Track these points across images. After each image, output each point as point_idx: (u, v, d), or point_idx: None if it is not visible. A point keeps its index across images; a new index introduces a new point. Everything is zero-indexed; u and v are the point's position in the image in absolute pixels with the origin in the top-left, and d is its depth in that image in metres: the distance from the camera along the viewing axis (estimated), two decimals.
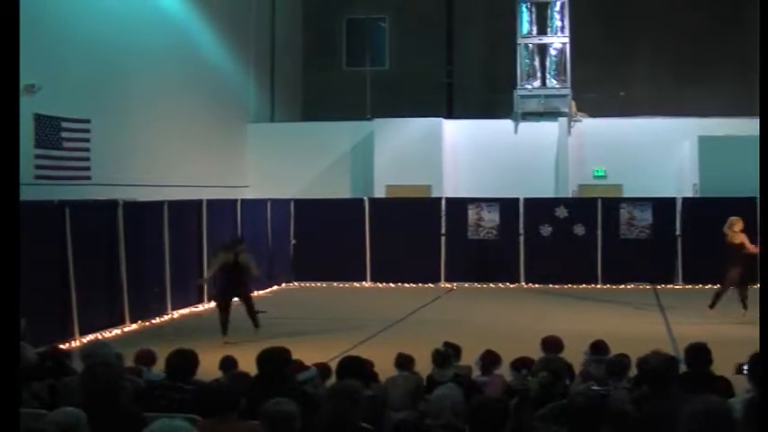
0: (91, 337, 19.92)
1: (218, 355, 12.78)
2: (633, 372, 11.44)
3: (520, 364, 11.60)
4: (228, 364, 12.38)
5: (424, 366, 12.15)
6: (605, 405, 7.33)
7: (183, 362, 9.52)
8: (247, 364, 10.74)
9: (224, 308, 20.75)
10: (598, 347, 12.34)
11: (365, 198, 31.55)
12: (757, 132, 31.02)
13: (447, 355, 11.92)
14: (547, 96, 33.78)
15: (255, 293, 27.82)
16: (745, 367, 8.25)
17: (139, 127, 26.92)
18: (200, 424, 7.53)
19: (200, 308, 25.66)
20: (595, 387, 9.01)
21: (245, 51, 33.84)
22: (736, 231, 23.59)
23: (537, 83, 34.07)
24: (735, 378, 9.60)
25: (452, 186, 33.00)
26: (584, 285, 29.50)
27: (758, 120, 32.58)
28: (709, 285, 28.53)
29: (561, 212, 30.33)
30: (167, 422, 6.33)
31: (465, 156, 33.62)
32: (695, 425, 5.90)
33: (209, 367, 11.80)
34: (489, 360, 12.41)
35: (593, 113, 33.94)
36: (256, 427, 7.20)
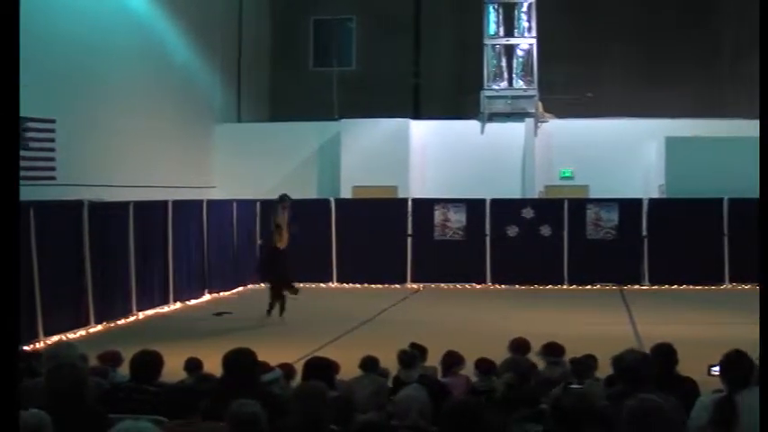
0: (55, 338, 19.80)
1: (184, 357, 12.72)
2: (601, 372, 11.51)
3: (483, 366, 11.61)
4: (193, 365, 12.33)
5: (390, 367, 12.14)
6: (588, 404, 7.33)
7: (148, 363, 9.45)
8: (213, 365, 10.68)
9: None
10: (551, 349, 12.34)
11: (332, 199, 31.51)
12: (724, 134, 31.35)
13: (413, 355, 11.91)
14: (513, 97, 33.75)
15: (221, 294, 27.96)
16: (715, 368, 8.27)
17: (106, 127, 26.74)
18: (166, 425, 7.49)
19: (166, 309, 25.58)
20: (574, 386, 9.02)
21: (211, 52, 33.65)
22: None
23: (504, 84, 34.05)
24: (705, 379, 9.61)
25: (419, 187, 32.94)
26: (550, 286, 29.59)
27: (725, 121, 32.92)
28: (675, 286, 28.77)
29: (528, 213, 30.40)
30: (132, 423, 6.29)
31: (432, 156, 33.57)
32: (632, 423, 5.98)
33: (174, 369, 11.76)
34: (451, 361, 12.42)
35: (561, 114, 33.97)
36: (221, 429, 7.16)
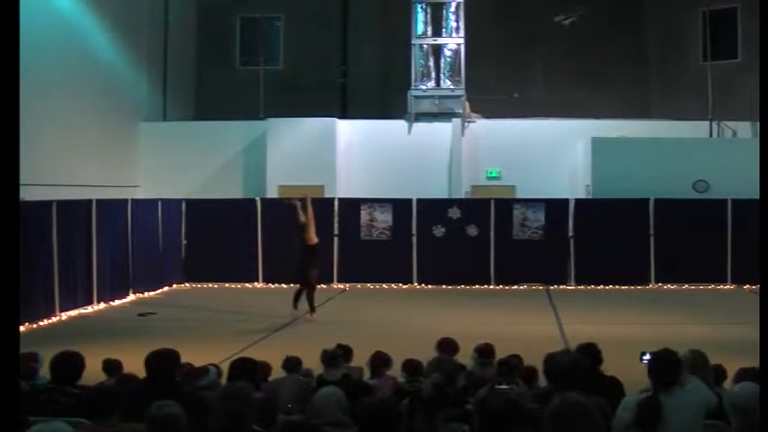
0: None
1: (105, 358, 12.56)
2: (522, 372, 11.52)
3: (410, 366, 11.56)
4: (112, 366, 12.16)
5: (316, 368, 12.08)
6: (517, 404, 7.30)
7: (69, 364, 9.30)
8: (137, 366, 10.52)
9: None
10: (484, 351, 12.31)
11: (257, 198, 31.31)
12: (650, 134, 31.63)
13: (335, 355, 11.86)
14: (441, 97, 33.75)
15: (146, 294, 27.71)
16: (646, 356, 8.29)
17: (28, 125, 26.27)
18: (83, 427, 7.35)
19: (89, 309, 25.25)
20: (502, 387, 8.98)
21: (137, 49, 33.29)
22: None
23: (431, 84, 34.06)
24: (630, 379, 9.62)
25: (346, 187, 32.85)
26: (477, 286, 29.60)
27: (650, 122, 33.19)
28: (601, 286, 28.92)
29: (454, 213, 30.38)
30: (45, 426, 6.19)
31: (359, 156, 33.50)
32: (555, 422, 5.98)
33: (97, 370, 11.63)
34: (378, 362, 12.35)
35: (488, 114, 34.02)
36: (140, 430, 7.04)
